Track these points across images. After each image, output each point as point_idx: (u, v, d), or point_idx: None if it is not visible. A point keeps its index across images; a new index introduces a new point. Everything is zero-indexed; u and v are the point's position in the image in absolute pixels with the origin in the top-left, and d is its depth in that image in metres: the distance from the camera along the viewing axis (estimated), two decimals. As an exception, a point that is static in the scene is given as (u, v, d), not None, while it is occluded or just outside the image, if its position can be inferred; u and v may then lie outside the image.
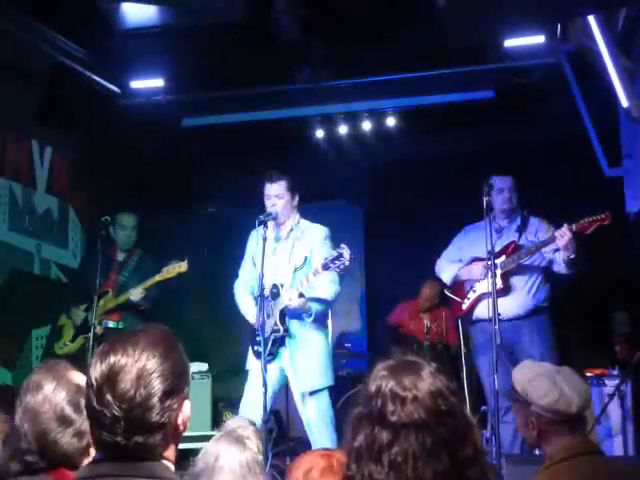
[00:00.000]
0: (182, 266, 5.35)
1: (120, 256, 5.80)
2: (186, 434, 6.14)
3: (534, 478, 2.52)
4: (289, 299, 4.51)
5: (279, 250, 4.66)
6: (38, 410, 2.06)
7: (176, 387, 1.65)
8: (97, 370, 1.62)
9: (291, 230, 4.76)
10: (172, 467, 1.68)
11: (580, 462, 2.44)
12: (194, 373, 6.46)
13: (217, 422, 6.29)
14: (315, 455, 2.19)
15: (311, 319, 4.62)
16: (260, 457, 2.44)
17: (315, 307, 4.64)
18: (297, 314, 4.60)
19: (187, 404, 1.71)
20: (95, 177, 6.95)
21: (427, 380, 1.54)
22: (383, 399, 1.51)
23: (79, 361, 2.18)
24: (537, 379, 2.54)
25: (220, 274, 6.32)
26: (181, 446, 5.86)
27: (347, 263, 4.32)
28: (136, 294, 5.42)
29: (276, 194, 4.67)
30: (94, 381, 1.62)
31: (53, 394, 2.07)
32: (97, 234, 5.40)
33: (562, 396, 2.48)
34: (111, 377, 1.60)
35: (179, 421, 1.68)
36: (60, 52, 5.90)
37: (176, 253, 5.86)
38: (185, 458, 6.45)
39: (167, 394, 1.63)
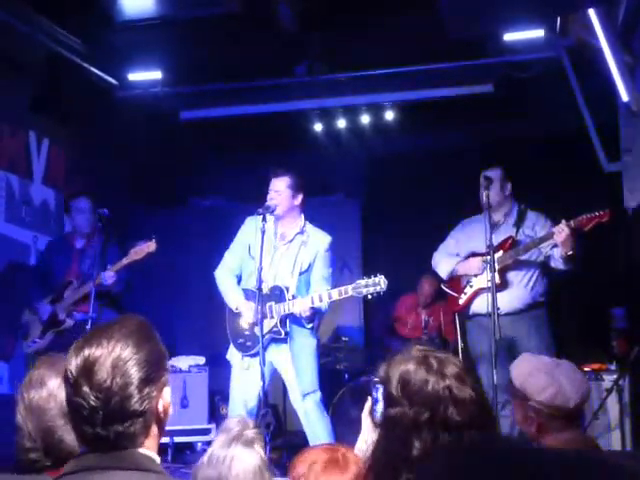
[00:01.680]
0: (150, 246, 5.09)
1: (78, 244, 5.57)
2: (183, 427, 6.14)
3: None
4: (302, 311, 4.51)
5: (283, 251, 4.62)
6: (43, 407, 2.02)
7: (153, 374, 1.66)
8: (72, 364, 1.63)
9: (298, 233, 4.73)
10: (155, 456, 1.68)
11: None
12: (191, 366, 6.46)
13: (213, 415, 6.30)
14: (319, 449, 2.18)
15: (310, 325, 4.66)
16: (265, 458, 2.43)
17: (316, 317, 4.70)
18: (298, 319, 4.60)
19: (167, 391, 1.71)
20: (92, 169, 6.92)
21: (468, 376, 1.56)
22: (445, 403, 1.50)
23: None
24: (535, 374, 2.52)
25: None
26: (178, 439, 5.85)
27: (382, 293, 4.48)
28: (108, 277, 5.14)
29: (276, 189, 4.66)
30: (69, 374, 1.63)
31: (58, 390, 2.01)
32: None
33: (560, 391, 2.46)
34: (87, 369, 1.61)
35: (160, 408, 1.69)
36: (57, 43, 5.88)
37: (173, 246, 5.84)
38: (181, 451, 6.44)
39: (144, 382, 1.63)
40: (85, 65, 6.18)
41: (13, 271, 6.10)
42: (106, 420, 1.60)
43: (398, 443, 1.49)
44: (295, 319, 4.60)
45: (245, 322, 4.64)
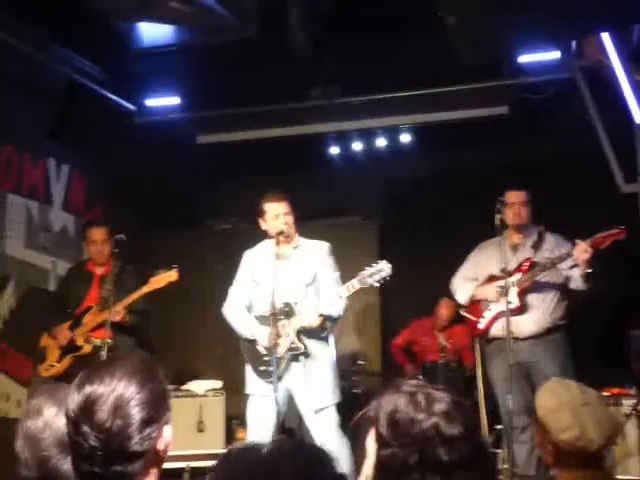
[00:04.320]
0: (172, 275, 5.08)
1: (98, 270, 5.57)
2: (198, 452, 6.12)
3: None
4: (312, 320, 4.50)
5: (282, 268, 4.60)
6: (39, 436, 2.01)
7: (155, 415, 1.64)
8: (74, 401, 1.62)
9: (294, 248, 4.75)
10: None
11: None
12: (207, 391, 6.46)
13: (230, 440, 6.28)
14: None
15: (325, 334, 4.64)
16: None
17: (329, 324, 4.66)
18: (314, 332, 4.59)
19: (168, 429, 1.69)
20: (111, 194, 6.98)
21: (462, 412, 1.51)
22: (433, 443, 1.47)
23: (69, 382, 2.13)
24: (559, 410, 2.38)
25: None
26: (194, 464, 5.82)
27: (388, 277, 4.40)
28: (114, 314, 5.08)
29: (285, 211, 4.68)
30: (71, 412, 1.62)
31: (54, 419, 2.01)
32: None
33: (583, 434, 2.32)
34: (87, 407, 1.60)
35: (160, 447, 1.67)
36: (76, 71, 5.96)
37: (191, 269, 5.85)
38: (197, 476, 6.41)
39: (145, 423, 1.62)
40: (104, 92, 6.25)
41: (32, 296, 6.16)
42: (105, 460, 1.59)
43: None
44: (309, 331, 4.58)
45: (263, 347, 4.64)
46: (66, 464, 1.95)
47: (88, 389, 1.62)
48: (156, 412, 1.65)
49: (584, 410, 2.36)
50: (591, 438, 2.32)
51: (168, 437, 1.69)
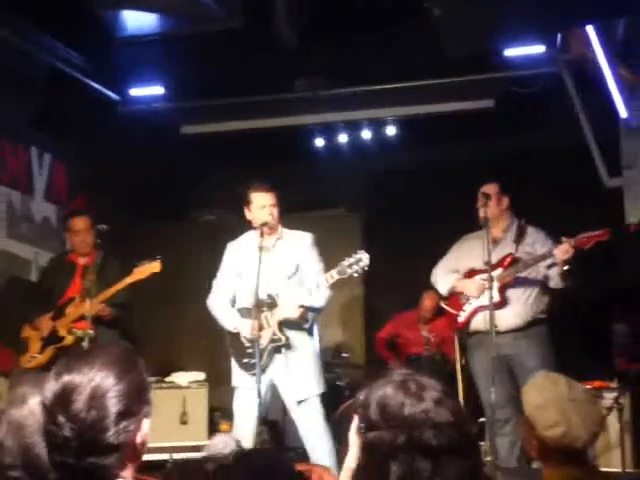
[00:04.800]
0: (155, 266, 5.03)
1: (81, 260, 5.49)
2: (182, 444, 6.10)
3: None
4: (291, 312, 4.50)
5: (265, 260, 4.57)
6: (22, 423, 1.97)
7: (132, 407, 1.61)
8: (50, 389, 1.59)
9: (277, 239, 4.74)
10: None
11: None
12: (190, 382, 6.44)
13: (213, 432, 6.26)
14: (297, 468, 2.16)
15: (308, 325, 4.64)
16: None
17: (310, 314, 4.66)
18: (295, 323, 4.59)
19: (146, 423, 1.66)
20: (94, 184, 6.93)
21: (452, 401, 1.51)
22: (421, 426, 1.46)
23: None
24: (545, 407, 2.35)
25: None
26: (177, 456, 5.79)
27: (366, 267, 4.42)
28: (92, 308, 5.02)
29: (271, 203, 4.67)
30: (47, 401, 1.59)
31: (38, 407, 2.02)
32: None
33: (569, 431, 2.30)
34: (64, 397, 1.57)
35: (137, 440, 1.64)
36: (59, 59, 5.90)
37: (175, 261, 5.82)
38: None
39: (122, 415, 1.58)
40: (87, 81, 6.19)
41: (14, 287, 6.10)
42: (79, 451, 1.56)
43: (376, 468, 1.47)
44: (291, 323, 4.58)
45: (246, 340, 4.63)
46: None
47: (66, 378, 1.59)
48: (134, 405, 1.62)
49: (570, 407, 2.34)
50: (577, 435, 2.30)
51: (146, 430, 1.66)
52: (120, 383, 1.60)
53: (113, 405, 1.57)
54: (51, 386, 1.60)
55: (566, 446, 2.32)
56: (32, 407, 2.01)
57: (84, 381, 1.58)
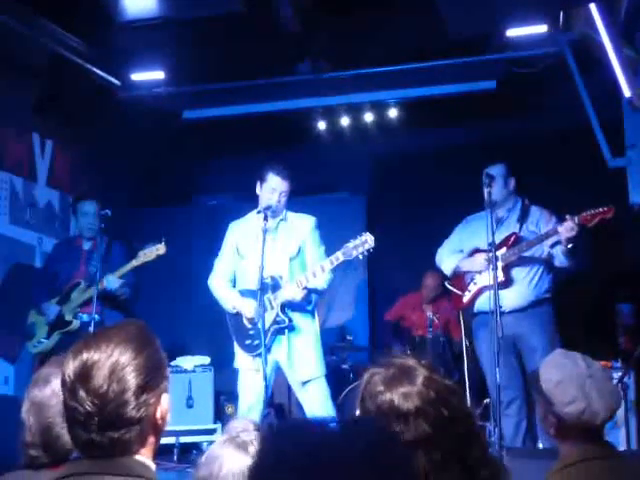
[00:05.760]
0: (160, 248, 5.10)
1: (86, 245, 5.55)
2: (188, 427, 6.13)
3: (548, 477, 2.44)
4: (294, 293, 4.51)
5: (269, 241, 4.58)
6: (45, 403, 2.04)
7: (151, 382, 1.64)
8: (70, 367, 1.62)
9: (280, 221, 4.74)
10: (150, 463, 1.67)
11: (597, 466, 2.31)
12: (196, 366, 6.46)
13: (219, 415, 6.29)
14: None
15: (310, 307, 4.67)
16: None
17: (314, 296, 4.69)
18: (297, 305, 4.60)
19: (165, 398, 1.69)
20: (96, 169, 6.93)
21: (425, 388, 1.49)
22: (386, 419, 1.46)
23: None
24: (565, 383, 2.34)
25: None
26: (183, 440, 5.83)
27: (371, 249, 4.43)
28: (112, 282, 5.16)
29: (284, 190, 4.67)
30: (67, 378, 1.62)
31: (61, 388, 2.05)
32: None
33: (589, 407, 2.30)
34: (84, 373, 1.60)
35: (157, 415, 1.67)
36: (60, 44, 5.87)
37: (178, 245, 5.82)
38: (188, 451, 6.45)
39: (142, 389, 1.62)
40: (88, 66, 6.17)
41: (18, 273, 6.12)
42: (101, 426, 1.58)
43: None
44: (294, 305, 4.60)
45: (247, 320, 4.64)
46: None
47: (85, 355, 1.62)
48: (153, 379, 1.65)
49: (589, 383, 2.33)
50: (596, 411, 2.31)
51: (165, 406, 1.69)
52: (138, 358, 1.63)
53: (133, 378, 1.61)
54: (70, 364, 1.63)
55: (585, 422, 2.32)
56: (55, 388, 2.03)
57: (103, 357, 1.61)
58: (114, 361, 1.60)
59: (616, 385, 2.90)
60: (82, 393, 1.59)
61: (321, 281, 4.62)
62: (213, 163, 7.70)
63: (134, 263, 5.18)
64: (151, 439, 1.67)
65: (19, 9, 5.36)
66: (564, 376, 2.37)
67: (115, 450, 1.60)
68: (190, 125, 7.17)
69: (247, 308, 4.62)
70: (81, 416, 1.59)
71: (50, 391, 2.05)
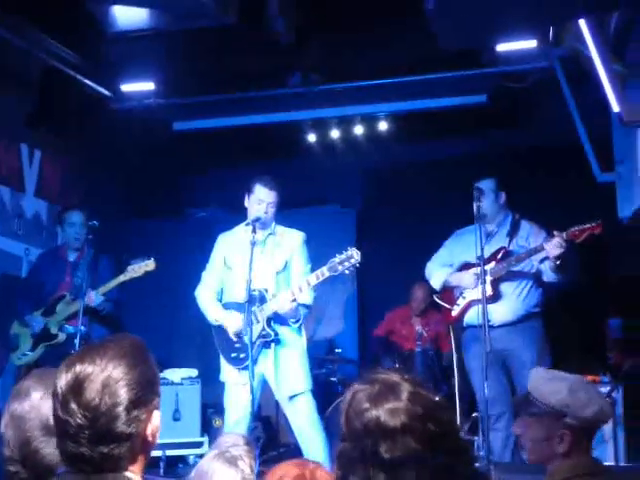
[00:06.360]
0: (149, 265, 5.08)
1: (71, 256, 5.52)
2: (175, 440, 6.08)
3: None
4: (281, 306, 4.48)
5: (257, 255, 4.57)
6: (24, 417, 2.01)
7: (143, 397, 1.64)
8: (62, 379, 1.61)
9: (269, 234, 4.73)
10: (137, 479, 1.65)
11: None
12: (183, 379, 6.42)
13: (206, 428, 6.25)
14: (290, 464, 2.16)
15: (298, 324, 4.63)
16: (252, 477, 2.41)
17: (302, 311, 4.66)
18: (284, 319, 4.58)
19: (156, 415, 1.68)
20: (86, 180, 6.90)
21: (411, 403, 1.47)
22: (373, 437, 1.43)
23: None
24: (575, 390, 2.37)
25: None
26: (170, 453, 5.78)
27: (357, 264, 4.39)
28: (92, 300, 5.08)
29: (271, 201, 4.66)
30: (59, 390, 1.61)
31: (40, 402, 2.01)
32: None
33: (601, 408, 2.37)
34: (76, 386, 1.59)
35: (148, 432, 1.66)
36: (51, 55, 5.86)
37: (167, 257, 5.79)
38: (174, 464, 6.40)
39: (134, 404, 1.61)
40: (78, 77, 6.15)
41: (4, 284, 6.07)
42: (91, 440, 1.58)
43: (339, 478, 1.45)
44: (280, 319, 4.58)
45: (232, 333, 4.62)
46: (47, 447, 1.95)
47: (78, 367, 1.61)
48: (145, 395, 1.64)
49: (591, 387, 2.43)
50: (607, 412, 2.38)
51: (156, 423, 1.68)
52: (131, 373, 1.63)
53: (125, 393, 1.60)
54: (63, 376, 1.62)
55: (600, 423, 2.40)
56: (34, 401, 2.02)
57: (96, 370, 1.60)
58: (107, 375, 1.60)
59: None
60: (74, 405, 1.58)
61: (307, 296, 4.60)
62: (203, 175, 7.68)
63: (122, 278, 5.15)
64: (141, 456, 1.66)
65: (11, 20, 5.34)
66: (569, 384, 2.40)
67: (105, 465, 1.59)
68: (180, 137, 7.17)
69: (229, 321, 4.61)
70: (72, 429, 1.58)
71: (29, 405, 2.02)
